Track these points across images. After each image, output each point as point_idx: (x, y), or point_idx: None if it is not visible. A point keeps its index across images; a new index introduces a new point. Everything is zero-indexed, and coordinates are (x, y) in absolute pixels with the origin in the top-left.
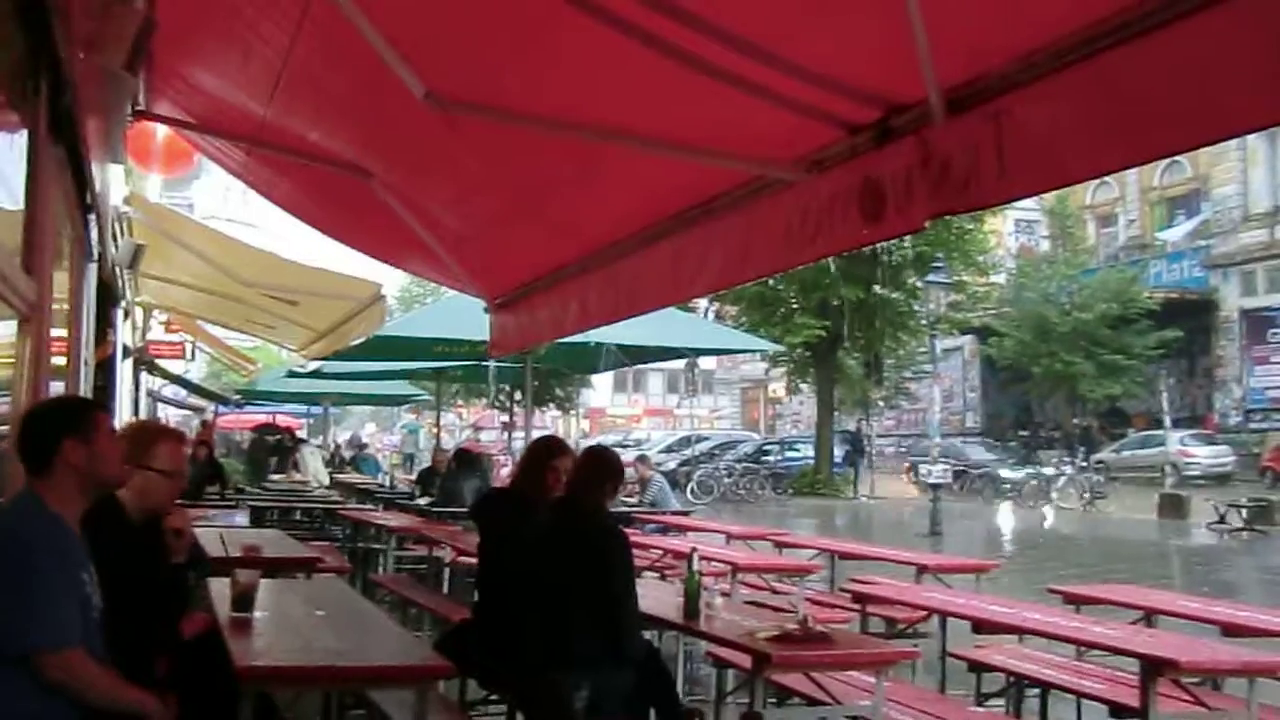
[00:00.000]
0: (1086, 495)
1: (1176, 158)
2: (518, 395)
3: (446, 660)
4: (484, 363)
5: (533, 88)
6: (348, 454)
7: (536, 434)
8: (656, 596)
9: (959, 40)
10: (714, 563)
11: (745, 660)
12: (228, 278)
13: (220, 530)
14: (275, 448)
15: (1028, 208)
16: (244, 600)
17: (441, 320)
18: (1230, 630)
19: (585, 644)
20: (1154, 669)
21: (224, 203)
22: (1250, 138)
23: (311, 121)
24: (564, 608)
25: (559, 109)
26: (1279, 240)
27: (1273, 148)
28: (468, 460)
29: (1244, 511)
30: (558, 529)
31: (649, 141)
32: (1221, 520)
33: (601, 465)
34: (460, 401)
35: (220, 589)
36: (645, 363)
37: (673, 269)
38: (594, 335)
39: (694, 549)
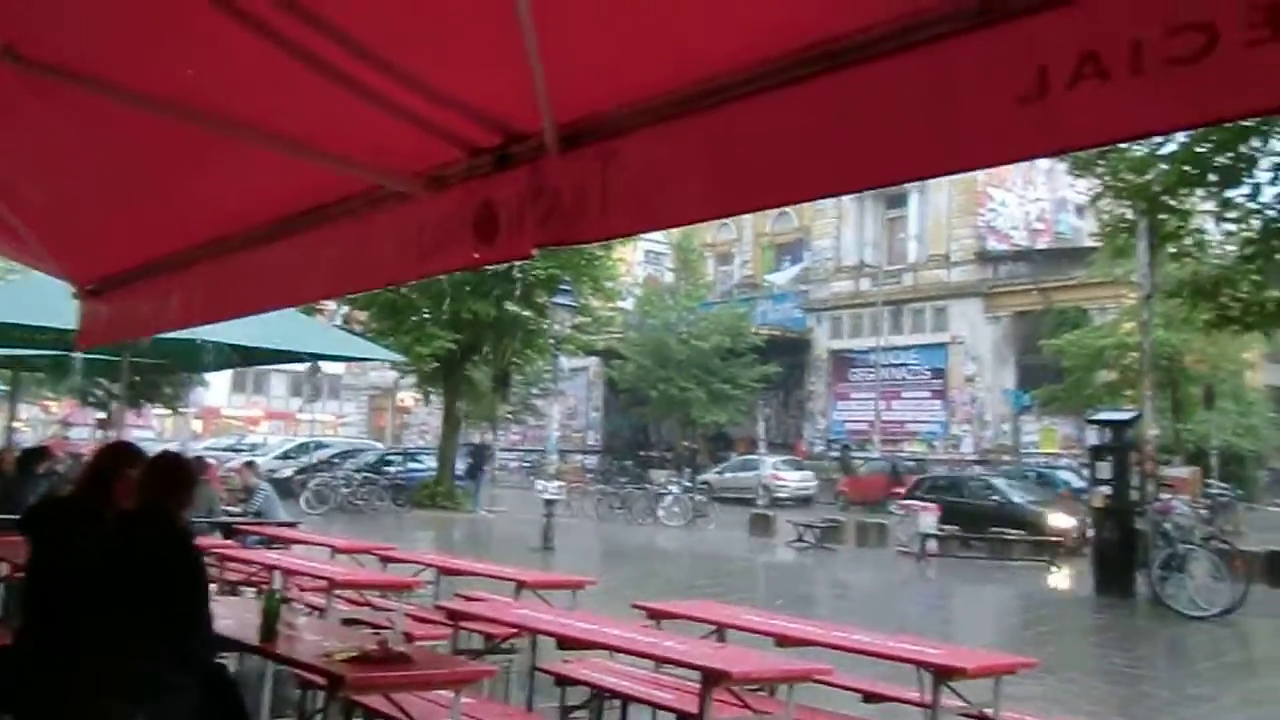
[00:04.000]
0: (690, 514)
1: (785, 209)
2: (117, 390)
3: None
4: (72, 354)
5: (139, 62)
6: None
7: (138, 434)
8: (238, 616)
9: (574, 80)
10: (312, 578)
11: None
12: None
13: None
14: None
15: (657, 240)
16: None
17: (22, 303)
18: (783, 641)
19: (146, 667)
20: (711, 679)
21: None
22: (844, 199)
23: None
24: (125, 627)
25: (169, 90)
26: (862, 291)
27: (860, 210)
28: (36, 460)
29: (818, 531)
30: (123, 542)
31: (265, 137)
32: (800, 538)
33: (172, 474)
34: (49, 395)
35: None
36: (260, 364)
37: (286, 271)
38: (202, 332)
39: (276, 567)
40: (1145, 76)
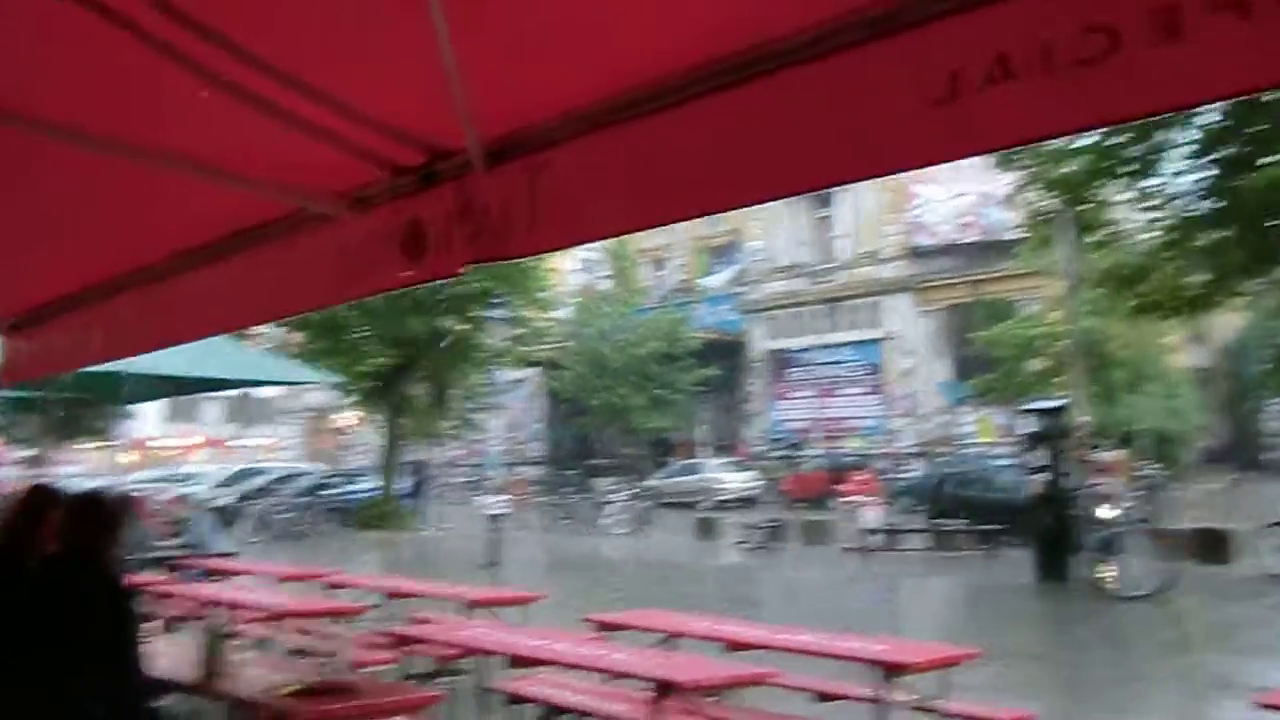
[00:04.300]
0: (636, 521)
1: None
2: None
3: None
4: None
5: (50, 92)
6: None
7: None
8: (178, 654)
9: (497, 95)
10: (255, 610)
11: None
12: None
13: None
14: None
15: (591, 247)
16: None
17: None
18: (732, 646)
19: (77, 718)
20: (662, 690)
21: None
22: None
23: None
24: (53, 678)
25: (82, 119)
26: (796, 291)
27: (792, 210)
28: None
29: (763, 532)
30: (48, 589)
31: (184, 163)
32: (745, 540)
33: (95, 514)
34: None
35: None
36: (189, 393)
37: (211, 299)
38: (127, 363)
39: (217, 601)
40: (1055, 78)
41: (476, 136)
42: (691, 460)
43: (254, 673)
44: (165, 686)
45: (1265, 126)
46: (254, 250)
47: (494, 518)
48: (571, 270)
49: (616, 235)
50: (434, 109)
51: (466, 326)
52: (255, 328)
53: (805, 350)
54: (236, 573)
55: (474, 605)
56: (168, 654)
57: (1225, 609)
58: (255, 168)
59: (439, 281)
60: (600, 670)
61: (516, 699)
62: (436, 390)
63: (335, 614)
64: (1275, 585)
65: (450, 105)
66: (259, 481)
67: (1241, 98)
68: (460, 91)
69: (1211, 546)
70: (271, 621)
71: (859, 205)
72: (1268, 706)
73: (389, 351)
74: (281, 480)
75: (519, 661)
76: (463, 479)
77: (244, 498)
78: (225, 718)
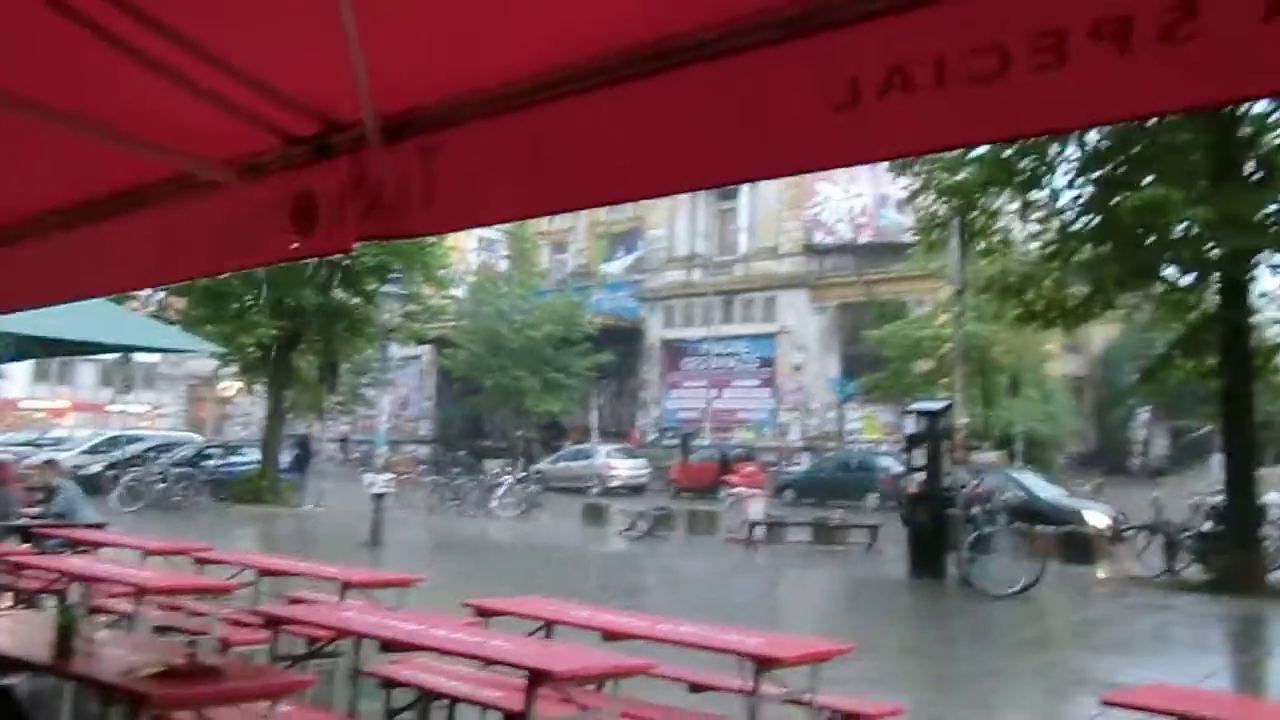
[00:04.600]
0: (524, 505)
1: None
2: None
3: None
4: None
5: None
6: None
7: None
8: (29, 631)
9: (398, 70)
10: (117, 585)
11: None
12: None
13: None
14: None
15: (491, 228)
16: None
17: None
18: (609, 635)
19: None
20: (536, 678)
21: None
22: None
23: None
24: None
25: None
26: (694, 281)
27: (693, 202)
28: None
29: (649, 520)
30: None
31: (62, 117)
32: (631, 527)
33: None
34: None
35: None
36: (63, 354)
37: (89, 260)
38: None
39: (78, 574)
40: (948, 92)
41: (374, 110)
42: (583, 445)
43: (113, 652)
44: (13, 664)
45: (1140, 150)
46: (138, 213)
47: (378, 496)
48: (471, 249)
49: (515, 220)
50: (332, 79)
51: (359, 300)
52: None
53: (700, 341)
54: (102, 544)
55: (350, 587)
56: (18, 630)
57: (1087, 607)
58: (141, 127)
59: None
60: (475, 657)
61: (389, 683)
62: (326, 364)
63: (203, 591)
64: (1132, 586)
65: (349, 76)
66: (133, 449)
67: (1120, 123)
68: (361, 63)
69: (1077, 547)
70: (135, 598)
71: (761, 200)
72: (1112, 704)
73: (276, 322)
74: (158, 449)
75: (393, 645)
76: (349, 455)
77: (115, 466)
78: (78, 700)
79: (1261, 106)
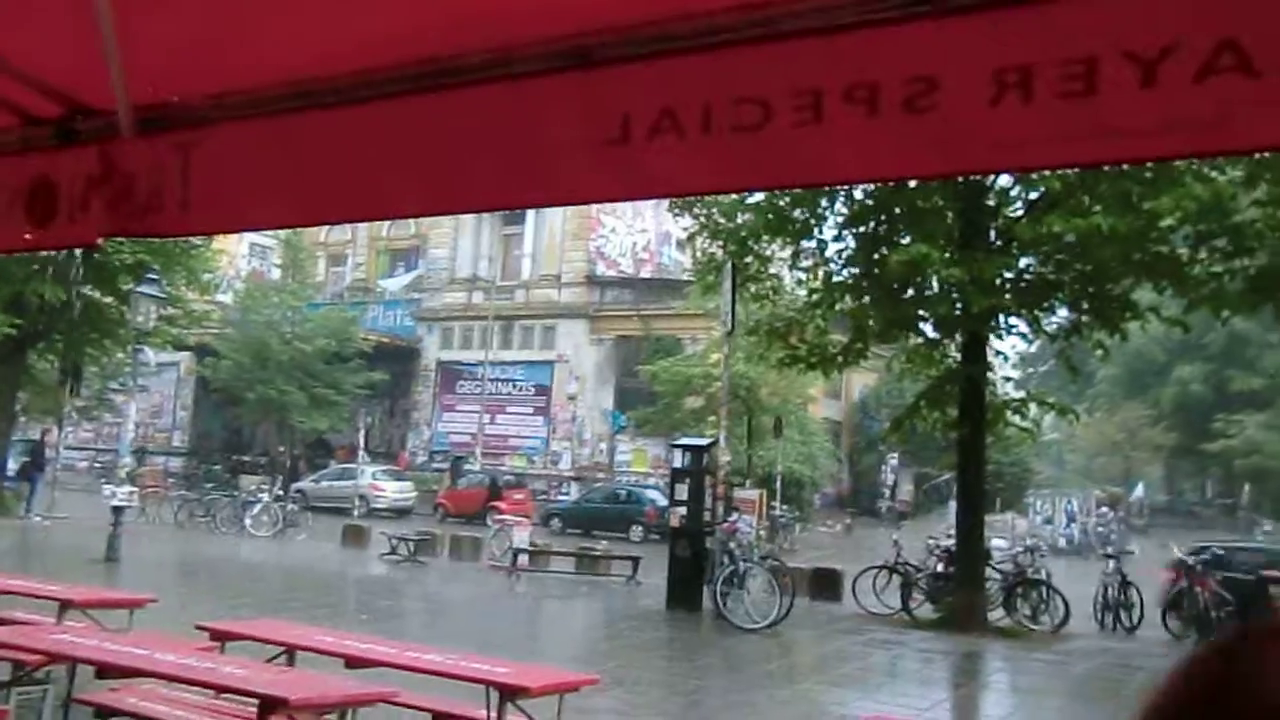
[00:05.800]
0: (280, 524)
1: None
2: None
3: None
4: None
5: None
6: None
7: None
8: None
9: (155, 62)
10: None
11: None
12: None
13: None
14: None
15: (265, 234)
16: None
17: None
18: (352, 663)
19: None
20: (268, 706)
21: None
22: None
23: None
24: None
25: None
26: (475, 304)
27: (478, 224)
28: None
29: (411, 543)
30: None
31: None
32: (393, 551)
33: None
34: None
35: None
36: None
37: None
38: None
39: None
40: (714, 138)
41: (128, 99)
42: (348, 465)
43: None
44: None
45: (900, 210)
46: None
47: (118, 510)
48: (242, 255)
49: (280, 227)
50: (82, 61)
51: (112, 300)
52: None
53: (477, 364)
54: None
55: (70, 607)
56: None
57: (829, 642)
58: None
59: (78, 250)
60: (204, 684)
61: (105, 712)
62: (69, 366)
63: None
64: (871, 621)
65: (101, 61)
66: None
67: (875, 182)
68: (114, 48)
69: (825, 584)
70: None
71: (547, 228)
72: None
73: (10, 318)
74: None
75: (112, 671)
76: (89, 464)
77: None
78: None
79: (1004, 180)
